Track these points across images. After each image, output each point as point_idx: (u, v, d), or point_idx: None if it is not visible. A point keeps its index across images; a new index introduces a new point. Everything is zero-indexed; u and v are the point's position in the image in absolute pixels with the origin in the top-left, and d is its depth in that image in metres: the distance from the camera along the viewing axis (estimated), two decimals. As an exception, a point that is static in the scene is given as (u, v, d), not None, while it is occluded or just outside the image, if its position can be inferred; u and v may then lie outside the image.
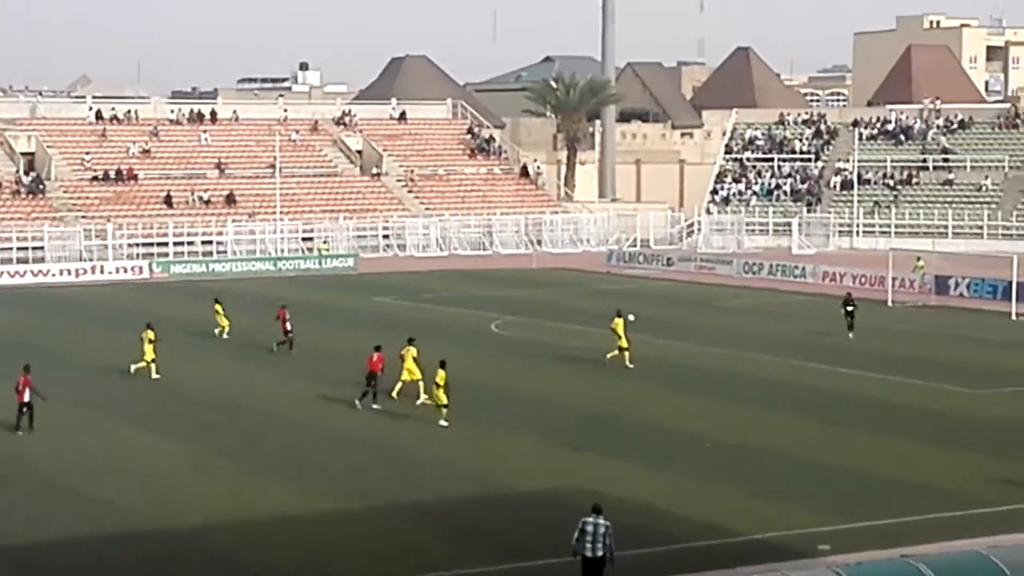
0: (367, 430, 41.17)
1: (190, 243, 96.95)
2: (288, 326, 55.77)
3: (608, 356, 50.92)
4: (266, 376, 50.95)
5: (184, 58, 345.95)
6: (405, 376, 44.84)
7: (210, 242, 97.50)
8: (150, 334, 50.32)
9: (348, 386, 48.26)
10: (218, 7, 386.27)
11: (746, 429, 41.17)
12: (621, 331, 51.09)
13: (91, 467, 36.93)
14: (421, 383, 44.49)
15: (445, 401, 40.87)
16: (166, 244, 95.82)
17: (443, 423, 40.81)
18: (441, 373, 40.89)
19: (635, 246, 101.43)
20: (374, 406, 43.86)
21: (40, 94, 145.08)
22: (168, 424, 42.05)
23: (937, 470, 36.14)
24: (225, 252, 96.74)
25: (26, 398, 40.59)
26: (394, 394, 44.49)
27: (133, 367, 50.29)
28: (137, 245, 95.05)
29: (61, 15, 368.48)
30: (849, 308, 58.59)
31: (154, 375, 49.76)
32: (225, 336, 59.42)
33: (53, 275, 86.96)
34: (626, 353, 50.88)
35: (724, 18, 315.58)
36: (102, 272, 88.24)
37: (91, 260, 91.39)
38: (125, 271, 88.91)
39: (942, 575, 22.68)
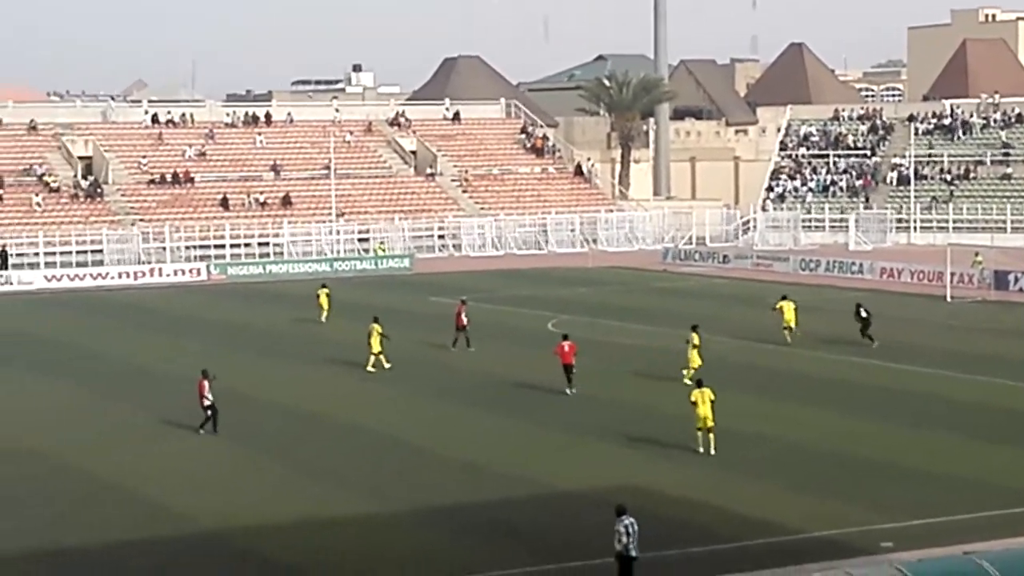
0: (420, 431, 41.21)
1: (247, 245, 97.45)
2: (464, 320, 56.10)
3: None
4: (321, 375, 51.12)
5: (238, 61, 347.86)
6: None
7: (266, 243, 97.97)
8: (377, 327, 51.38)
9: (402, 385, 48.42)
10: (272, 10, 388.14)
11: (805, 426, 41.01)
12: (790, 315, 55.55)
13: (152, 470, 37.15)
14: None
15: None
16: (223, 246, 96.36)
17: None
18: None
19: (690, 244, 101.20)
20: (569, 391, 45.45)
21: (97, 98, 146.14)
22: (225, 426, 42.24)
23: (1000, 467, 35.88)
24: (282, 253, 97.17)
25: (207, 401, 40.61)
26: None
27: (369, 367, 51.12)
28: (194, 247, 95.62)
29: (117, 20, 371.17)
30: (863, 316, 56.97)
31: (385, 364, 50.91)
32: (323, 320, 64.12)
33: (112, 278, 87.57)
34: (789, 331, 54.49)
35: (777, 14, 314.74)
36: (160, 275, 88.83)
37: (149, 263, 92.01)
38: (183, 273, 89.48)
39: (1006, 572, 22.49)
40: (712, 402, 36.92)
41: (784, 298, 58.01)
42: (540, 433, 40.76)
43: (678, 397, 45.03)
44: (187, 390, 43.17)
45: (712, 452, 36.66)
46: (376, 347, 51.62)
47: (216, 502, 33.56)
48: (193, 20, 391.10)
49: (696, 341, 47.68)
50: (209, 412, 40.68)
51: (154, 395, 47.65)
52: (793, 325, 56.60)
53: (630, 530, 25.75)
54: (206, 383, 40.72)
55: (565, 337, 47.31)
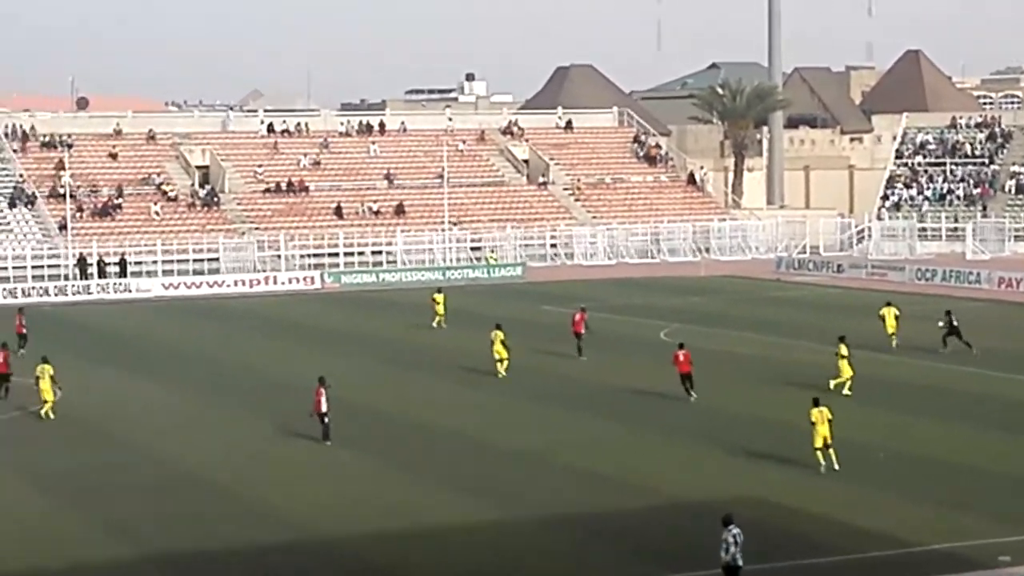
0: (539, 439, 41.23)
1: (360, 253, 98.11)
2: (582, 328, 56.67)
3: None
4: (442, 384, 51.33)
5: (353, 70, 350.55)
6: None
7: (379, 252, 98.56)
8: (500, 334, 52.46)
9: (518, 393, 48.50)
10: (386, 20, 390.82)
11: (923, 439, 40.52)
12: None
13: (268, 477, 37.50)
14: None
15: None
16: (336, 254, 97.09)
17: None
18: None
19: (804, 253, 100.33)
20: (692, 397, 45.72)
21: (214, 108, 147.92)
22: (337, 431, 42.52)
23: (1123, 480, 35.22)
24: (395, 262, 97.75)
25: (323, 408, 40.84)
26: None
27: (501, 372, 52.05)
28: (308, 256, 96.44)
29: (234, 31, 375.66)
30: (953, 324, 55.96)
31: (502, 372, 51.86)
32: (442, 325, 65.17)
33: (228, 286, 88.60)
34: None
35: (893, 21, 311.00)
36: (275, 283, 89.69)
37: (264, 271, 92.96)
38: (297, 281, 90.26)
39: None
40: (830, 421, 36.42)
41: (888, 304, 57.95)
42: (658, 442, 40.63)
43: (796, 407, 44.67)
44: (301, 397, 43.56)
45: (836, 468, 36.06)
46: (502, 352, 52.16)
47: (334, 510, 33.77)
48: (309, 30, 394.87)
49: (844, 352, 47.21)
50: (325, 420, 40.86)
51: (268, 402, 48.08)
52: (891, 331, 56.30)
53: (737, 540, 25.75)
54: (323, 391, 40.95)
55: (681, 346, 47.49)
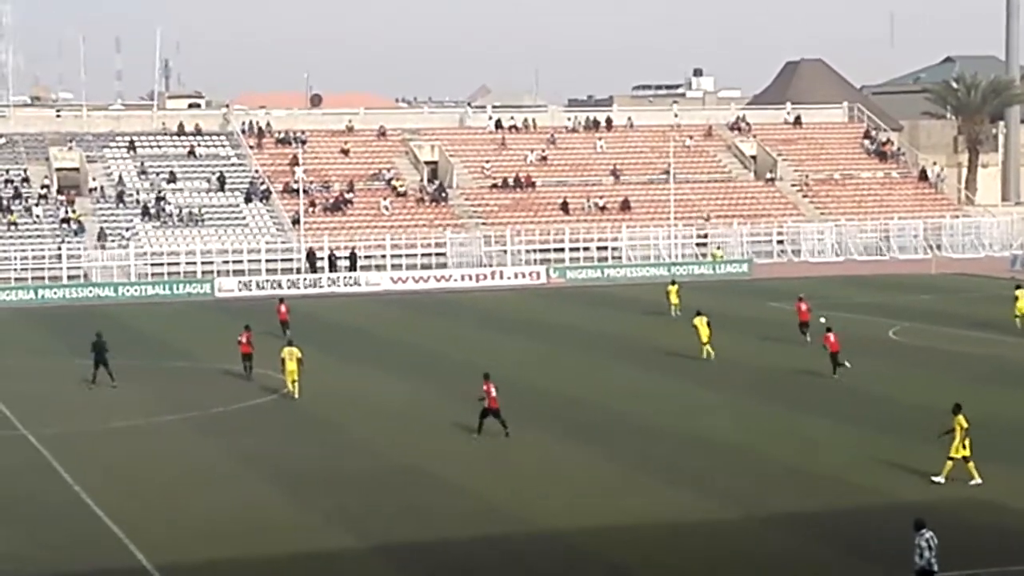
0: (762, 442, 40.90)
1: (586, 249, 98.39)
2: (808, 318, 58.34)
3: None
4: (654, 378, 51.27)
5: (581, 66, 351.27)
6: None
7: (605, 248, 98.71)
8: (704, 318, 55.96)
9: (742, 393, 48.22)
10: (613, 15, 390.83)
11: None
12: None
13: (488, 469, 37.87)
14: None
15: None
16: (562, 250, 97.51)
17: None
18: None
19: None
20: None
21: (443, 104, 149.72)
22: (558, 426, 42.72)
23: None
24: (620, 258, 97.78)
25: (485, 403, 41.47)
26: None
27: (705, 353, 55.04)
28: (534, 251, 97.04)
29: (463, 27, 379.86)
30: None
31: (710, 353, 54.71)
32: (676, 314, 66.93)
33: (455, 280, 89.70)
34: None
35: None
36: (501, 277, 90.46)
37: (491, 265, 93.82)
38: (523, 276, 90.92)
39: None
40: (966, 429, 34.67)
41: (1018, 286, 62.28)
42: (878, 441, 39.97)
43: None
44: (521, 389, 43.79)
45: (977, 480, 34.50)
46: (704, 336, 55.13)
47: (556, 502, 33.99)
48: (537, 27, 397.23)
49: None
50: (490, 415, 41.17)
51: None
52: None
53: (931, 543, 25.30)
54: (492, 387, 41.23)
55: (829, 330, 50.77)
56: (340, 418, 45.12)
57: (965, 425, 34.78)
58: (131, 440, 42.41)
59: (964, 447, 34.60)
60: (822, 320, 55.63)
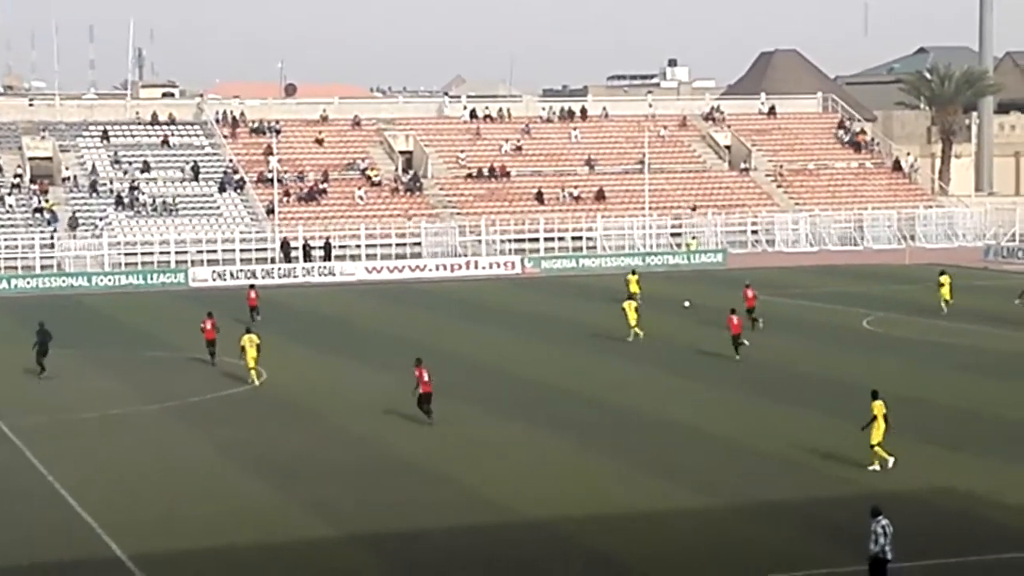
0: (740, 431, 40.95)
1: (561, 239, 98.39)
2: (754, 304, 60.05)
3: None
4: (628, 367, 51.31)
5: (555, 56, 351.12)
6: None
7: (580, 238, 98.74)
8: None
9: (711, 379, 48.30)
10: (587, 5, 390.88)
11: None
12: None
13: (470, 458, 37.85)
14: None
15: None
16: (537, 240, 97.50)
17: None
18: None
19: (1014, 241, 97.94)
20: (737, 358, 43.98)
21: (417, 94, 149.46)
22: (542, 416, 42.74)
23: None
24: (595, 248, 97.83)
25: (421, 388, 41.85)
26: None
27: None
28: (509, 241, 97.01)
29: (437, 17, 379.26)
30: None
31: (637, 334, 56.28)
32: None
33: (430, 270, 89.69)
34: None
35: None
36: (476, 267, 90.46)
37: (466, 256, 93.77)
38: (498, 266, 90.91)
39: None
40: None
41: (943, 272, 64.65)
42: (855, 431, 40.04)
43: (1002, 399, 43.89)
44: (503, 381, 43.70)
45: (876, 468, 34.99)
46: (632, 320, 57.83)
47: (538, 492, 33.97)
48: (511, 16, 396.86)
49: None
50: (420, 404, 41.61)
51: (468, 385, 48.47)
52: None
53: (886, 531, 25.49)
54: (424, 372, 41.56)
55: (733, 312, 53.32)
56: (318, 408, 45.05)
57: (884, 411, 35.27)
58: (107, 430, 42.26)
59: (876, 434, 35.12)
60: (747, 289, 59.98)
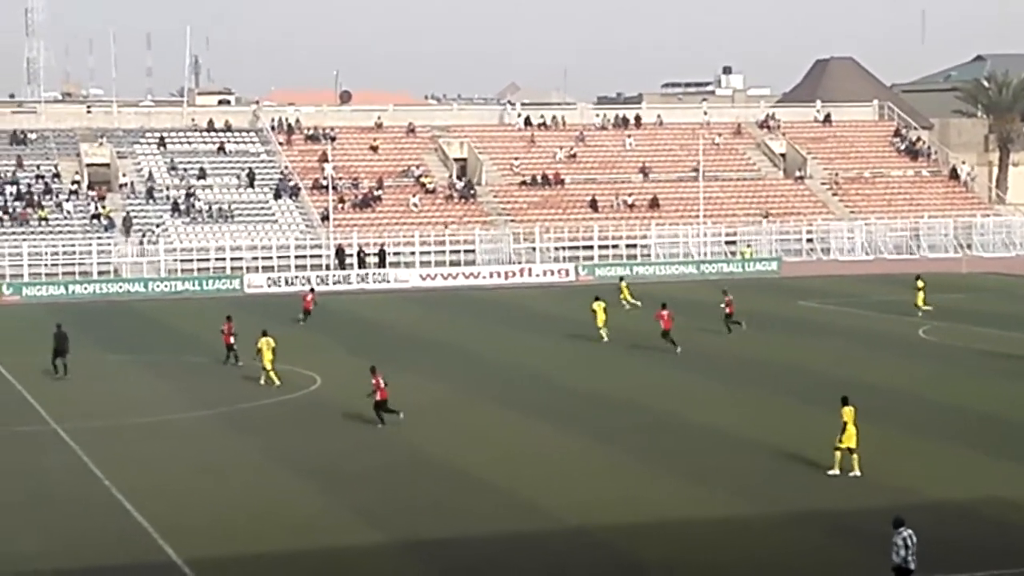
0: (781, 438, 40.74)
1: (614, 246, 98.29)
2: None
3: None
4: (690, 378, 51.17)
5: (609, 64, 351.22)
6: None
7: (634, 245, 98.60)
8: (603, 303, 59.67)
9: (758, 388, 48.08)
10: (643, 13, 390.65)
11: None
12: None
13: (515, 466, 37.83)
14: None
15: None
16: (591, 247, 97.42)
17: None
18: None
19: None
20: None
21: (472, 102, 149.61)
22: (583, 423, 42.69)
23: None
24: (649, 255, 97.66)
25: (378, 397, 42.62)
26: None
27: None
28: (563, 248, 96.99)
29: (492, 25, 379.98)
30: None
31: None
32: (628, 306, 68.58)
33: (483, 277, 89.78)
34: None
35: None
36: (529, 275, 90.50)
37: (519, 263, 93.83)
38: (552, 274, 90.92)
39: None
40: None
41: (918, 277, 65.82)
42: (903, 440, 39.82)
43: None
44: (541, 386, 43.56)
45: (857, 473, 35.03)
46: (600, 321, 60.19)
47: (579, 499, 33.94)
48: (566, 24, 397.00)
49: None
50: (377, 409, 42.30)
51: (518, 393, 48.49)
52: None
53: (908, 542, 25.25)
54: (380, 379, 42.34)
55: (664, 306, 56.88)
56: (368, 414, 45.13)
57: (852, 417, 35.34)
58: (159, 435, 42.52)
59: (846, 439, 35.26)
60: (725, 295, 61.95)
